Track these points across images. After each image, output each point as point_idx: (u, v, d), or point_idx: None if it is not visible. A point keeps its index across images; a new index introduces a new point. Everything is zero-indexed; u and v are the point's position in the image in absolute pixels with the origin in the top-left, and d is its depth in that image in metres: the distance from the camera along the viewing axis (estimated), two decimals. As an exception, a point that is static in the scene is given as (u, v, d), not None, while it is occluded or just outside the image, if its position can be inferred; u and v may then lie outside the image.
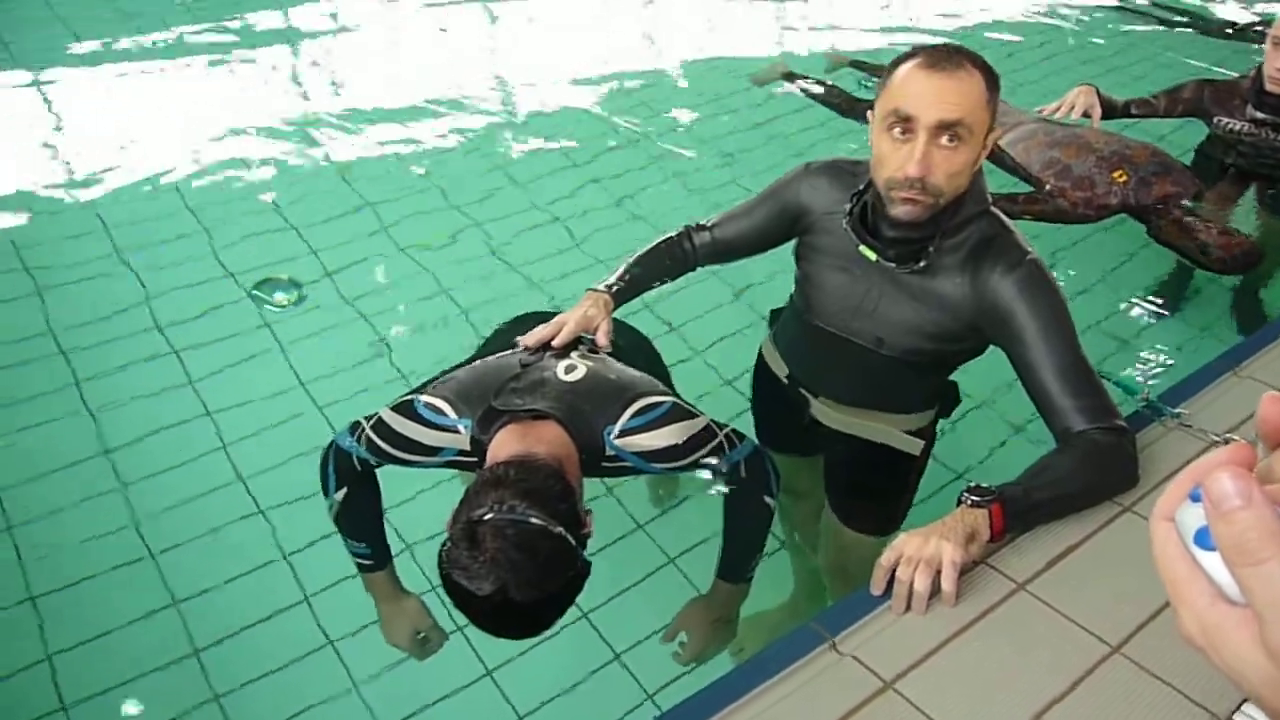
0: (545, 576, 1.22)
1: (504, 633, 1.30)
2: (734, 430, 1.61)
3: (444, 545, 1.26)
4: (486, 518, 1.21)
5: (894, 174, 1.42)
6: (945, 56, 1.39)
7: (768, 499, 1.62)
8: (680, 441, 1.48)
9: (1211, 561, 0.42)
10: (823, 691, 1.20)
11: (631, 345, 1.90)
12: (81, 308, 2.99)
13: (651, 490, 2.46)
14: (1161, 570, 0.44)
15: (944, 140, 1.38)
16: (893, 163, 1.42)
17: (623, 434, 1.46)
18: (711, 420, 1.57)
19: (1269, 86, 2.78)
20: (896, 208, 1.45)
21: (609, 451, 1.47)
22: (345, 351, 2.87)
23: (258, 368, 2.80)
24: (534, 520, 1.22)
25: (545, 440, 1.39)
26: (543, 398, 1.45)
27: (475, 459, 1.46)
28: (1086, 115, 3.07)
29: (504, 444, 1.40)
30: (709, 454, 1.53)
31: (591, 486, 2.37)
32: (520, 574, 1.19)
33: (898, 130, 1.40)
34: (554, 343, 1.62)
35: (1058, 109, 3.12)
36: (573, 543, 1.26)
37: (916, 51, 1.43)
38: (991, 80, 1.42)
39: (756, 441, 1.64)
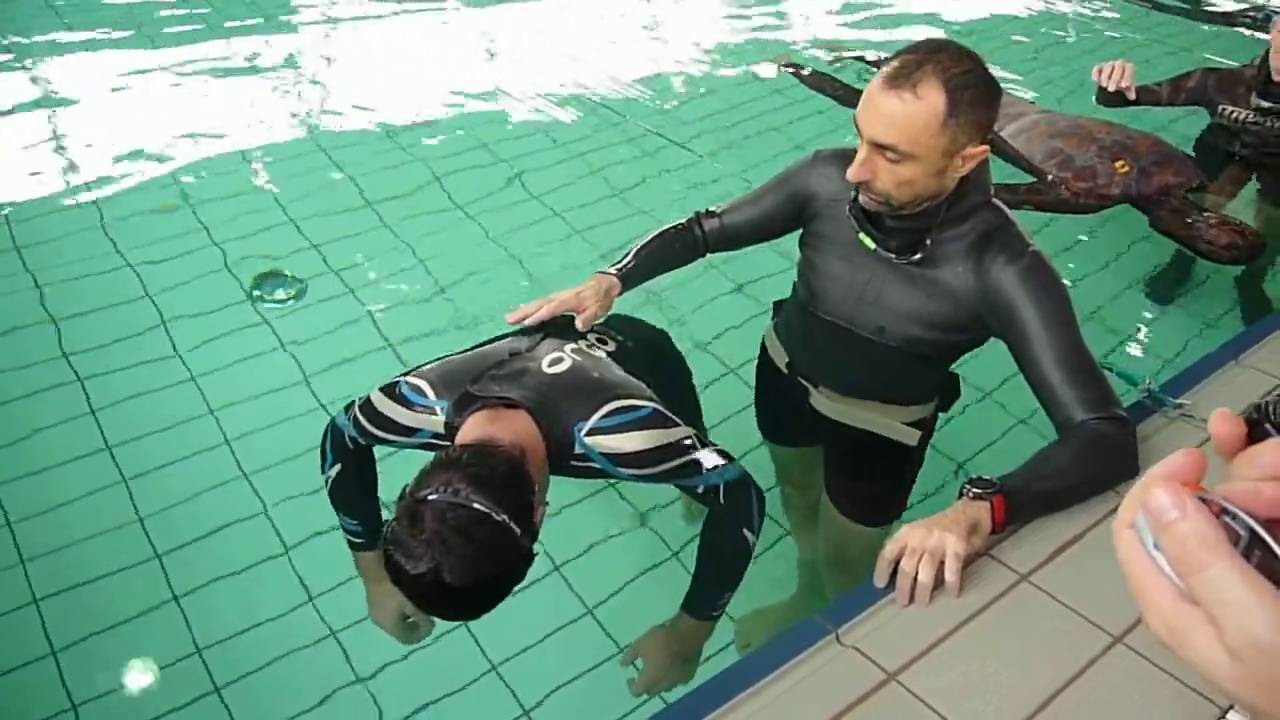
0: (479, 562, 1.20)
1: (435, 613, 1.32)
2: (722, 450, 1.53)
3: (389, 521, 1.26)
4: (430, 498, 1.21)
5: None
6: (905, 74, 1.36)
7: (746, 533, 1.53)
8: (649, 448, 1.44)
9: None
10: (826, 683, 1.20)
11: (645, 344, 1.84)
12: (82, 303, 2.98)
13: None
14: (1128, 576, 0.45)
15: (886, 155, 1.40)
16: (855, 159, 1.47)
17: (592, 432, 1.44)
18: (697, 435, 1.52)
19: (1276, 77, 2.76)
20: (861, 195, 1.51)
21: (578, 449, 1.45)
22: (348, 346, 2.87)
23: (259, 363, 2.81)
24: (476, 505, 1.21)
25: (512, 429, 1.38)
26: (519, 387, 1.44)
27: (449, 442, 1.44)
28: (1120, 92, 2.93)
29: (471, 429, 1.40)
30: (682, 469, 1.48)
31: (593, 480, 2.38)
32: (454, 557, 1.18)
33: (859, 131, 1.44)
34: (530, 318, 1.61)
35: (1106, 71, 2.92)
36: (516, 532, 1.24)
37: (897, 55, 1.41)
38: (958, 100, 1.35)
39: (744, 470, 1.55)
